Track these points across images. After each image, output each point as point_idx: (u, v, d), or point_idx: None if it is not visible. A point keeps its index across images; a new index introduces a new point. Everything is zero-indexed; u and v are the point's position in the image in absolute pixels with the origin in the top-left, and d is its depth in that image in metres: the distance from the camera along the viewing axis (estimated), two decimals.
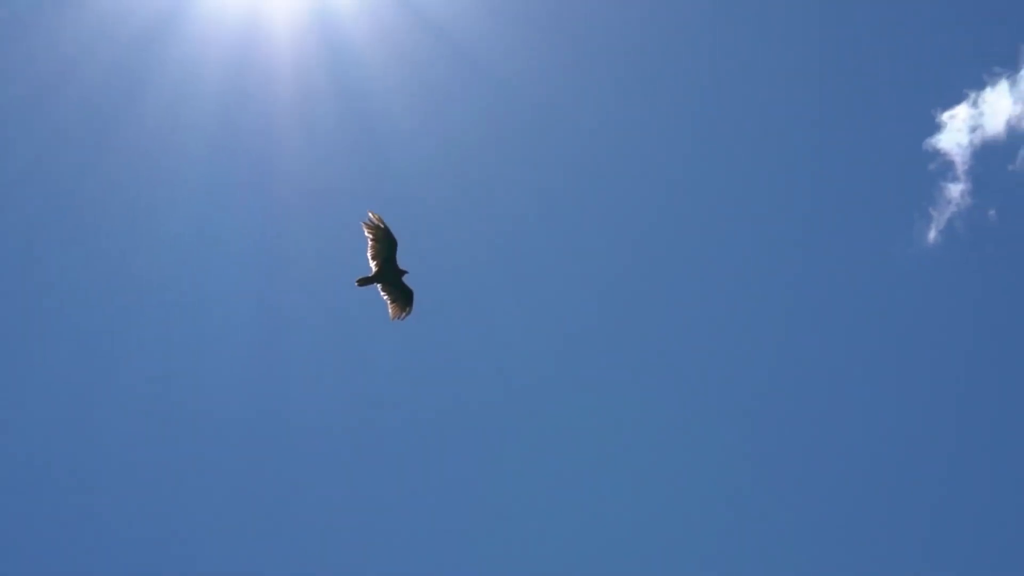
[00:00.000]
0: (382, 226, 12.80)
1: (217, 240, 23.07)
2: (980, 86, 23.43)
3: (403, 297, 13.17)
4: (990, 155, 23.31)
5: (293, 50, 22.96)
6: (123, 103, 22.84)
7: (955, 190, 23.37)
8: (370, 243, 12.96)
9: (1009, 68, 23.23)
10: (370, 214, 12.78)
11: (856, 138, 24.60)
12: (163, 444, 21.56)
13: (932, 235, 23.36)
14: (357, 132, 23.32)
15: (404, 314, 13.25)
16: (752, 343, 23.71)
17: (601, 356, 23.24)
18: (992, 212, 23.44)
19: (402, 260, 13.13)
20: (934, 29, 24.05)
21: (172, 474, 21.30)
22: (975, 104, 23.30)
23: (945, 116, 23.49)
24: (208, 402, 21.85)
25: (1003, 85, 23.18)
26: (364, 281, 13.20)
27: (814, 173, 24.81)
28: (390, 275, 13.04)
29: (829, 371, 23.77)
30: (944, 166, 23.44)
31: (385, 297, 13.25)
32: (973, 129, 23.18)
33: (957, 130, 23.29)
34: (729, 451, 22.21)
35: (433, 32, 23.05)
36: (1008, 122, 23.11)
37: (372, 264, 13.07)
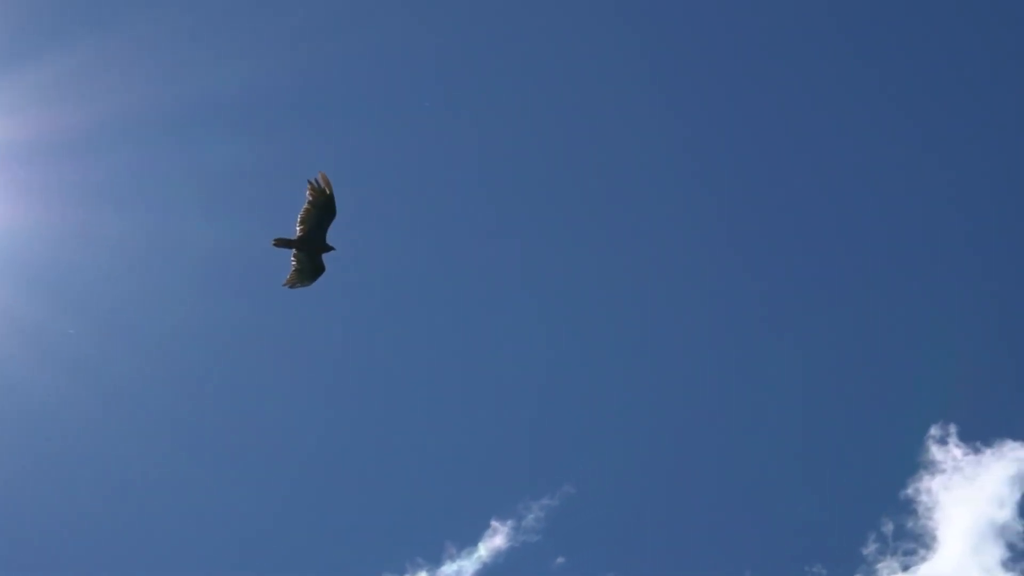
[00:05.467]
0: (328, 192, 11.91)
1: None
2: (401, 573, 24.24)
3: (311, 270, 12.07)
4: None
5: None
6: None
7: None
8: (306, 206, 11.94)
9: (431, 562, 24.18)
10: (320, 175, 11.88)
11: None
12: None
13: None
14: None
15: (300, 285, 12.09)
16: None
17: None
18: None
19: None
20: (368, 507, 25.58)
21: None
22: None
23: None
24: None
25: None
26: (282, 243, 12.00)
27: None
28: (313, 245, 11.99)
29: None
30: None
31: (294, 264, 12.07)
32: None
33: None
34: None
35: None
36: None
37: (298, 228, 11.97)
